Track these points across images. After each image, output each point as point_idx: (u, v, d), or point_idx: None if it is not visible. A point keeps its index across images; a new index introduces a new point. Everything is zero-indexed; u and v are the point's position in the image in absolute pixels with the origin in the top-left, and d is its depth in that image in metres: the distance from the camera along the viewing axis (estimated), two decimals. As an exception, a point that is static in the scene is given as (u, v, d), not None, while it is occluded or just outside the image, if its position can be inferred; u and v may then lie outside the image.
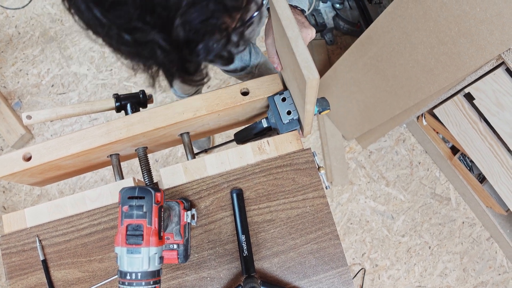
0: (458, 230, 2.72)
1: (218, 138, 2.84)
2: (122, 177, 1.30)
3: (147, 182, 1.24)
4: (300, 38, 0.81)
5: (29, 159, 1.21)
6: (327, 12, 2.99)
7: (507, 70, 1.64)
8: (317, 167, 1.21)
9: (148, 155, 1.33)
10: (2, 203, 2.71)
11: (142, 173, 1.27)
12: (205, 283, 1.13)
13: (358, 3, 2.95)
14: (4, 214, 1.20)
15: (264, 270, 1.14)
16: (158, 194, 0.87)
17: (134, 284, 0.82)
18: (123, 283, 0.82)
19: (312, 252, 1.15)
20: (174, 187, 1.19)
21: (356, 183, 2.79)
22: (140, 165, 1.29)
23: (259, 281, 1.08)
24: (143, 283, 0.82)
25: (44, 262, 1.15)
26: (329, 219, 1.17)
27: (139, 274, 0.82)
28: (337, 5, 2.95)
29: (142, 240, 0.83)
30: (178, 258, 1.07)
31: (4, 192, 2.73)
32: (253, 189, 1.19)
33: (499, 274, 2.66)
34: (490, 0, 1.36)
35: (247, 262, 1.11)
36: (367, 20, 2.89)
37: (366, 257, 2.67)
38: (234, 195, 1.17)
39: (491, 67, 1.58)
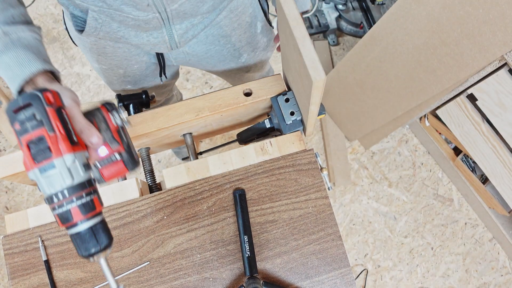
0: (461, 231, 2.72)
1: (221, 139, 2.84)
2: (124, 177, 1.30)
3: (149, 182, 1.24)
4: (308, 38, 0.81)
5: (32, 159, 1.21)
6: (330, 13, 2.99)
7: (510, 71, 1.64)
8: (320, 168, 1.21)
9: (150, 155, 1.33)
10: (4, 203, 2.72)
11: (145, 174, 1.27)
12: (207, 284, 1.13)
13: (361, 4, 2.95)
14: (6, 215, 1.20)
15: (267, 270, 1.14)
16: (48, 94, 0.72)
17: (65, 204, 0.70)
18: (54, 209, 0.71)
19: (314, 252, 1.15)
20: (177, 187, 1.19)
21: (359, 184, 2.79)
22: (143, 166, 1.29)
23: (261, 282, 1.08)
24: (74, 199, 0.71)
25: (47, 263, 1.15)
26: (332, 220, 1.17)
27: (66, 191, 0.70)
28: (340, 6, 2.95)
29: (51, 151, 0.69)
30: (125, 166, 0.91)
31: (6, 192, 2.74)
32: (256, 190, 1.19)
33: (502, 275, 2.65)
34: (493, 1, 1.36)
35: (249, 262, 1.11)
36: (370, 21, 2.89)
37: (369, 258, 2.67)
38: (237, 195, 1.17)
39: (494, 68, 1.58)
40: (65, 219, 0.71)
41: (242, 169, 1.20)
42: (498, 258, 2.68)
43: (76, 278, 1.15)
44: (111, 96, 2.88)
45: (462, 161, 2.50)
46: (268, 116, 1.30)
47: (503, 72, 1.64)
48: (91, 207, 0.73)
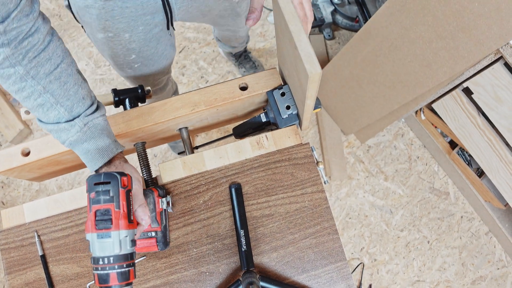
0: (457, 225, 2.72)
1: (217, 133, 2.84)
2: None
3: (145, 177, 1.24)
4: (303, 32, 0.81)
5: (27, 154, 1.21)
6: (325, 7, 2.98)
7: (506, 64, 1.64)
8: (316, 161, 1.21)
9: (146, 150, 1.33)
10: (0, 198, 2.71)
11: (141, 168, 1.27)
12: (204, 278, 1.14)
13: (357, -3, 2.95)
14: (2, 210, 1.20)
15: (263, 264, 1.14)
16: (125, 178, 0.87)
17: (107, 269, 0.83)
18: (97, 269, 0.83)
19: (311, 246, 1.15)
20: (173, 181, 1.19)
21: (355, 178, 2.79)
22: (139, 160, 1.29)
23: (258, 276, 1.08)
24: (116, 267, 0.83)
25: (43, 257, 1.15)
26: (328, 213, 1.17)
27: (111, 258, 0.84)
28: (336, 0, 2.94)
29: (111, 224, 0.84)
30: (157, 245, 1.09)
31: (2, 187, 2.73)
32: (252, 184, 1.19)
33: (498, 269, 2.66)
34: (488, -6, 1.36)
35: (246, 257, 1.11)
36: (365, 14, 2.89)
37: (365, 251, 2.67)
38: (233, 190, 1.17)
39: (490, 62, 1.58)
40: (103, 280, 0.83)
41: (238, 163, 1.21)
42: (494, 251, 2.69)
43: (72, 273, 1.15)
44: (107, 91, 2.87)
45: (458, 154, 2.51)
46: (264, 110, 1.30)
47: (499, 65, 1.65)
48: (127, 277, 0.85)
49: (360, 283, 2.61)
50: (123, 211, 0.86)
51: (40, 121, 0.98)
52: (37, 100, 0.93)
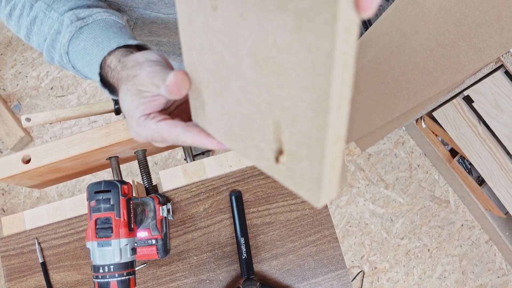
0: (457, 233, 2.72)
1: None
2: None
3: (146, 184, 1.24)
4: None
5: (28, 161, 1.20)
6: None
7: (506, 73, 1.64)
8: (316, 169, 1.21)
9: (147, 157, 1.33)
10: (1, 205, 2.71)
11: (141, 176, 1.27)
12: (204, 286, 1.13)
13: (357, 6, 2.95)
14: (3, 217, 1.20)
15: (263, 272, 1.14)
16: (125, 187, 0.88)
17: (108, 277, 0.83)
18: (97, 277, 0.83)
19: (311, 254, 1.15)
20: (173, 189, 1.19)
21: (355, 186, 2.79)
22: (139, 168, 1.29)
23: (258, 284, 1.08)
24: (116, 275, 0.84)
25: (43, 265, 1.15)
26: (328, 221, 1.17)
27: (112, 267, 0.84)
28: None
29: (112, 232, 0.84)
30: (157, 253, 1.09)
31: (3, 194, 2.73)
32: (252, 192, 1.19)
33: (498, 277, 2.66)
34: (489, 3, 1.36)
35: (246, 264, 1.11)
36: (366, 22, 2.89)
37: (365, 259, 2.67)
38: (233, 197, 1.17)
39: (490, 70, 1.58)
40: None
41: (239, 171, 1.20)
42: (494, 259, 2.69)
43: (73, 280, 1.15)
44: (108, 98, 2.88)
45: (459, 163, 2.51)
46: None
47: (500, 73, 1.65)
48: (127, 285, 0.85)
49: (361, 291, 2.61)
50: (124, 219, 0.86)
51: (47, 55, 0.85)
52: (30, 15, 0.82)
